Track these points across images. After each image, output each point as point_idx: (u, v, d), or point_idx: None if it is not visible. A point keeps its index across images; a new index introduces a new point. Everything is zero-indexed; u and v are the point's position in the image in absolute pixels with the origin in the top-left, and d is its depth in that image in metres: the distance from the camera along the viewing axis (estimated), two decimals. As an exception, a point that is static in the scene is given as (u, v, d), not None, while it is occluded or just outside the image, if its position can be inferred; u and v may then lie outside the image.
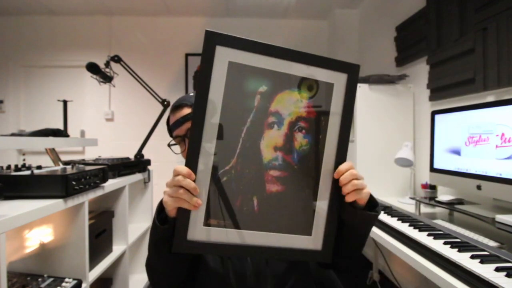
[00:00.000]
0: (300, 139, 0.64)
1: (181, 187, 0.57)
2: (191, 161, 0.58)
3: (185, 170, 0.57)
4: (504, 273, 0.74)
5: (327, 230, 0.65)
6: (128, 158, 1.95)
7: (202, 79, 0.57)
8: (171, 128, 0.87)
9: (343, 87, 0.64)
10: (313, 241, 0.65)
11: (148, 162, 2.09)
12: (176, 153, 0.87)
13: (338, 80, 0.64)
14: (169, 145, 0.87)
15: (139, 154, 2.07)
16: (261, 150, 0.62)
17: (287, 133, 0.63)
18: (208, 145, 0.59)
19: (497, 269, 0.75)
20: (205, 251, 0.66)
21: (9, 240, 1.17)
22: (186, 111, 0.83)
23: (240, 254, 0.75)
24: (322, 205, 0.65)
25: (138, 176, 1.92)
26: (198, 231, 0.60)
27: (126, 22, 3.26)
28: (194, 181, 0.57)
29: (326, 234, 0.65)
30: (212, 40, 0.57)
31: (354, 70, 0.65)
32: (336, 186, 0.64)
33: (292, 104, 0.63)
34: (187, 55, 3.27)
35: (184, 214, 0.59)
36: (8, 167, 1.20)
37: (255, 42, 0.59)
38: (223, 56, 0.58)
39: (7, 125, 3.11)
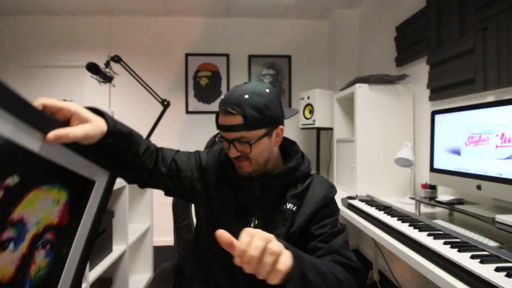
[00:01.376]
0: (40, 261, 0.43)
1: None
2: None
3: None
4: (504, 273, 0.74)
5: None
6: (128, 158, 1.95)
7: None
8: (219, 127, 0.82)
9: (102, 188, 0.55)
10: None
11: (148, 162, 2.09)
12: (222, 148, 0.89)
13: (100, 178, 0.55)
14: (214, 137, 0.92)
15: (139, 154, 2.07)
16: None
17: (25, 255, 0.41)
18: None
19: (497, 269, 0.75)
20: None
21: (9, 240, 1.17)
22: (237, 120, 0.77)
23: None
24: None
25: (138, 176, 1.92)
26: None
27: (126, 22, 3.26)
28: None
29: None
30: None
31: (113, 173, 0.57)
32: None
33: (45, 207, 0.43)
34: (187, 55, 3.27)
35: None
36: (8, 167, 1.20)
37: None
38: None
39: (7, 125, 3.11)
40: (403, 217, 1.28)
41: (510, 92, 1.37)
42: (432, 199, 1.51)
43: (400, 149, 1.75)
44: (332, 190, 0.89)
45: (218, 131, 0.84)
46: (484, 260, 0.81)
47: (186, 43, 3.28)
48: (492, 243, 0.94)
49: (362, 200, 1.67)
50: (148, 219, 2.15)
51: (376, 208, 1.46)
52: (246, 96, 0.77)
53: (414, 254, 0.99)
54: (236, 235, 0.53)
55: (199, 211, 0.92)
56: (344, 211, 1.66)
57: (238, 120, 0.77)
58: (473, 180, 1.26)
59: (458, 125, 1.37)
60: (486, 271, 0.75)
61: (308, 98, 2.77)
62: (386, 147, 1.98)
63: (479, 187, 1.23)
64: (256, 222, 0.83)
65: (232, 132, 0.78)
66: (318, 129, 2.82)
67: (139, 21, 3.25)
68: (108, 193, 0.57)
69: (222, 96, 0.84)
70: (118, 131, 0.67)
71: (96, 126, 0.58)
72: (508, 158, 1.12)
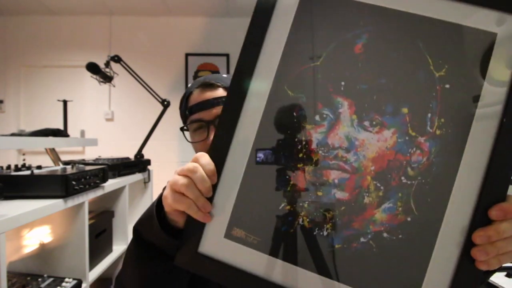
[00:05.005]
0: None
1: (192, 180, 0.40)
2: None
3: (207, 160, 0.42)
4: (504, 273, 0.74)
5: None
6: (128, 158, 1.95)
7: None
8: (192, 109, 0.67)
9: None
10: None
11: (148, 162, 2.09)
12: (190, 141, 0.69)
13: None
14: (182, 129, 0.69)
15: (139, 154, 2.07)
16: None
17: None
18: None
19: (497, 269, 0.75)
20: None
21: (9, 240, 1.17)
22: (221, 93, 0.66)
23: None
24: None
25: (138, 176, 1.92)
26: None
27: (126, 22, 3.26)
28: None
29: None
30: None
31: None
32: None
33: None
34: (187, 55, 3.27)
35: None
36: (8, 167, 1.20)
37: None
38: None
39: (7, 125, 3.11)
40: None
41: (510, 92, 1.37)
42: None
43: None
44: None
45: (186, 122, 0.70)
46: (484, 260, 0.81)
47: (186, 43, 3.28)
48: (492, 243, 0.94)
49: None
50: (148, 219, 2.15)
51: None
52: (225, 75, 0.72)
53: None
54: None
55: None
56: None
57: (220, 93, 0.66)
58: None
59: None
60: (486, 271, 0.75)
61: (308, 98, 2.76)
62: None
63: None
64: None
65: (213, 107, 0.65)
66: (318, 129, 2.81)
67: (139, 21, 3.25)
68: None
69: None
70: None
71: None
72: (508, 158, 1.12)
